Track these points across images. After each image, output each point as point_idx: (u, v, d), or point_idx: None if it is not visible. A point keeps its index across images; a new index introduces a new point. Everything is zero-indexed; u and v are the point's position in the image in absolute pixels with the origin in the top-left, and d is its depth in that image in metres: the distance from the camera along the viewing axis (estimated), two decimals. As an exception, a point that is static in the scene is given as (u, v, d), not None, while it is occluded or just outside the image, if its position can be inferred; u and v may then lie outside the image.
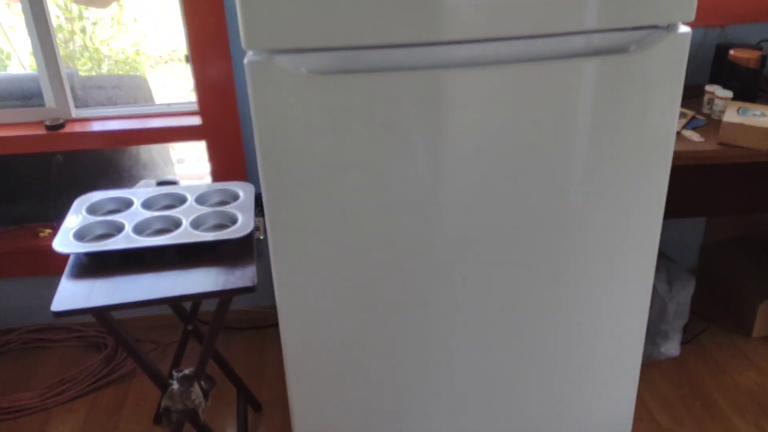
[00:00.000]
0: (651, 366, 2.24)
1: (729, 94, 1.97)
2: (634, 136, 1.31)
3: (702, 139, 1.83)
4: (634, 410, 1.70)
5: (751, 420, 2.02)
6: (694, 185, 2.07)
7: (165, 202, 1.79)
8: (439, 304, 1.40)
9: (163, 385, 1.65)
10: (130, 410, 2.10)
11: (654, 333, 2.20)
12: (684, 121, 1.95)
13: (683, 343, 2.31)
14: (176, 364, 1.98)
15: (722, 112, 1.97)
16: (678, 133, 1.86)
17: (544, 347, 1.49)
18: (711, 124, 1.94)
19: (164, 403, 1.64)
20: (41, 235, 2.29)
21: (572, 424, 1.60)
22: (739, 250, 2.55)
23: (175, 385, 1.63)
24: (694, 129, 1.90)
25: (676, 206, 1.98)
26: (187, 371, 1.65)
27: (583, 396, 1.57)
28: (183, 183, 1.95)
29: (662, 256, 2.27)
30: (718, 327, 2.42)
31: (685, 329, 2.29)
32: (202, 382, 1.68)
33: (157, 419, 2.05)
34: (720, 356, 2.29)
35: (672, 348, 2.23)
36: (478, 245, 1.36)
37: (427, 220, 1.32)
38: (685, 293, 2.17)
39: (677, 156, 1.73)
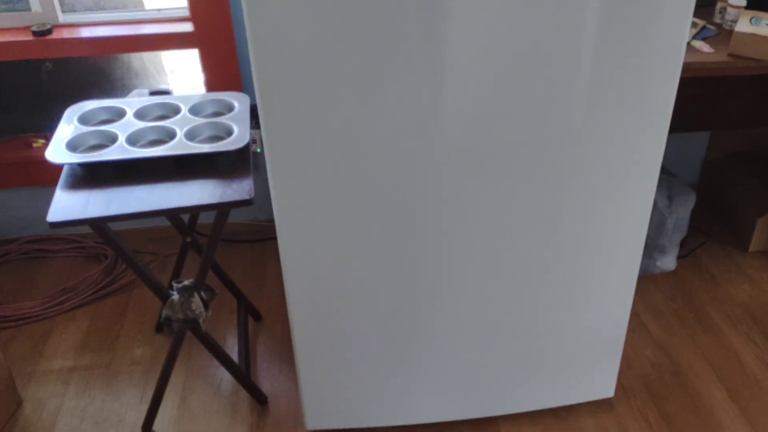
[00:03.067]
0: (646, 279, 2.27)
1: (742, 2, 1.89)
2: (643, 46, 1.26)
3: (712, 50, 1.78)
4: (628, 322, 1.73)
5: (742, 331, 2.06)
6: (700, 98, 2.03)
7: (158, 113, 1.75)
8: (438, 214, 1.40)
9: (163, 296, 1.66)
10: (131, 319, 2.13)
11: (651, 247, 2.21)
12: (694, 31, 1.88)
13: (680, 257, 2.32)
14: (176, 275, 2.00)
15: (734, 21, 1.90)
16: (687, 44, 1.80)
17: (543, 256, 1.49)
18: (722, 35, 1.87)
19: (165, 312, 1.66)
20: (35, 145, 2.26)
21: (567, 334, 1.63)
22: (741, 166, 2.53)
23: (176, 296, 1.65)
24: (704, 39, 1.84)
25: (681, 120, 1.94)
26: (187, 282, 1.66)
27: (578, 306, 1.59)
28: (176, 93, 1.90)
29: (664, 170, 2.25)
30: (715, 241, 2.44)
31: (683, 243, 2.30)
32: (202, 293, 1.70)
33: (159, 328, 2.09)
34: (716, 270, 2.31)
35: (669, 262, 2.24)
36: (478, 160, 1.33)
37: (427, 133, 1.29)
38: (684, 208, 2.17)
39: (685, 68, 1.67)
